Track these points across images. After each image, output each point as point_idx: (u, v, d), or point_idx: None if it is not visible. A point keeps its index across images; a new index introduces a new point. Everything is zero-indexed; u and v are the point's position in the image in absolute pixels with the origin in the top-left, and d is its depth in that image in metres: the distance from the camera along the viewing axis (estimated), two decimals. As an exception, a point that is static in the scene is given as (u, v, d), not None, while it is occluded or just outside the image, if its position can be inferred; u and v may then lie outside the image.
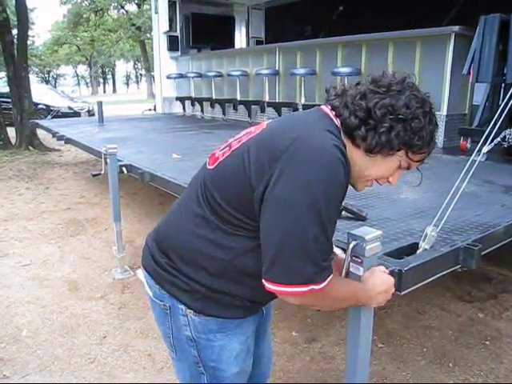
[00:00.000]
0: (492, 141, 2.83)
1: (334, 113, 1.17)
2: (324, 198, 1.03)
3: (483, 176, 2.88)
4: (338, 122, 1.15)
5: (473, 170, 1.87)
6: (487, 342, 2.73)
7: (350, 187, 1.19)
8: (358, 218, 2.09)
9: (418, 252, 1.61)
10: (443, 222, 1.68)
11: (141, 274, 1.36)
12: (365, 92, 1.14)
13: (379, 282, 1.22)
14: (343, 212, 2.07)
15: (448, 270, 1.68)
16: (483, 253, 1.76)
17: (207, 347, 1.25)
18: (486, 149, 2.83)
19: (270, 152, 1.08)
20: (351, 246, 1.21)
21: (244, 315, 1.27)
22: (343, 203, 1.89)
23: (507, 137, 3.35)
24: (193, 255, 1.20)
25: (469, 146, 3.87)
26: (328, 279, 1.08)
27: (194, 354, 1.27)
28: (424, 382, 2.40)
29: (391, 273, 1.44)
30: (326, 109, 1.20)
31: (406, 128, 1.09)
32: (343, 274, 1.26)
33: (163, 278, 1.24)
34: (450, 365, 2.53)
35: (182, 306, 1.23)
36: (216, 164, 1.21)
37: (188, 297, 1.22)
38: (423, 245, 1.62)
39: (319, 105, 1.28)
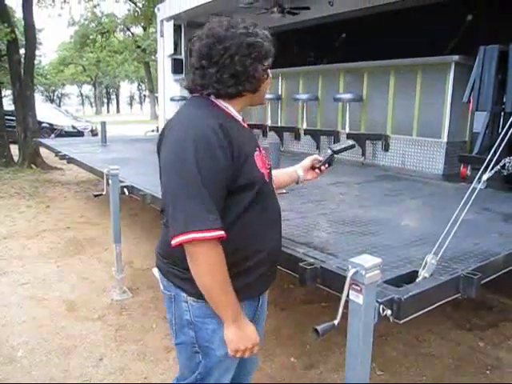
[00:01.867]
0: (492, 169, 2.86)
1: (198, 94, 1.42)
2: (198, 160, 1.25)
3: (483, 204, 2.89)
4: (208, 98, 1.40)
5: (473, 197, 1.89)
6: (488, 372, 2.69)
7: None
8: (350, 147, 2.06)
9: (417, 280, 1.61)
10: (443, 250, 1.68)
11: (156, 271, 1.57)
12: (197, 66, 1.38)
13: (243, 335, 1.37)
14: (335, 156, 2.01)
15: (448, 299, 1.67)
16: (483, 281, 1.76)
17: (202, 329, 1.45)
18: (485, 176, 2.85)
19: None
20: (351, 273, 1.22)
21: (238, 299, 1.38)
22: (332, 149, 1.98)
23: (507, 165, 3.37)
24: (174, 250, 1.32)
25: (469, 173, 3.89)
26: (220, 232, 1.25)
27: (192, 335, 1.47)
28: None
29: (391, 300, 1.44)
30: (197, 96, 1.44)
31: (253, 56, 1.36)
32: (342, 302, 1.26)
33: (168, 271, 1.47)
34: (450, 395, 2.50)
35: (184, 294, 1.44)
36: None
37: (187, 284, 1.39)
38: (423, 273, 1.62)
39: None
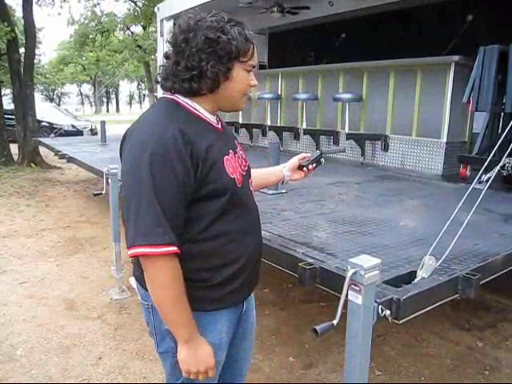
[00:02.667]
0: (491, 169, 2.86)
1: (169, 93, 1.35)
2: (152, 171, 1.18)
3: (482, 204, 2.89)
4: (173, 98, 1.33)
5: (479, 200, 1.89)
6: (486, 372, 2.70)
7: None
8: (339, 151, 2.09)
9: (416, 280, 1.62)
10: (447, 252, 1.68)
11: (133, 280, 1.51)
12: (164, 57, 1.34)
13: (196, 358, 1.30)
14: (322, 156, 1.96)
15: (447, 299, 1.68)
16: (482, 282, 1.77)
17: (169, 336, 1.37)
18: (485, 177, 2.86)
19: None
20: (350, 273, 1.22)
21: (213, 307, 1.37)
22: (320, 150, 1.94)
23: (506, 165, 3.38)
24: None
25: (468, 173, 3.90)
26: (172, 248, 1.19)
27: (172, 345, 1.37)
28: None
29: (390, 300, 1.44)
30: (164, 97, 1.37)
31: (211, 52, 1.25)
32: (341, 303, 1.26)
33: (144, 281, 1.32)
34: (449, 395, 2.50)
35: None
36: None
37: None
38: (421, 273, 1.63)
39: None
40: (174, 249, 1.20)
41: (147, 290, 1.32)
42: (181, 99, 1.33)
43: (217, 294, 1.36)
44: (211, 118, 1.38)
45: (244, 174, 1.42)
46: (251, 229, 1.43)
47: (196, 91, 1.30)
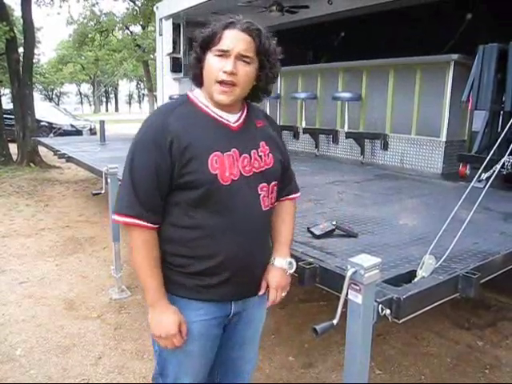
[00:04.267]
0: (491, 167, 2.86)
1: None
2: (133, 154, 1.36)
3: (482, 202, 2.89)
4: (187, 94, 1.47)
5: (479, 199, 1.89)
6: (486, 371, 2.70)
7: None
8: (350, 234, 2.16)
9: (415, 280, 1.61)
10: (448, 252, 1.68)
11: None
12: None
13: (158, 322, 1.40)
14: (336, 230, 2.18)
15: (447, 298, 1.68)
16: (482, 281, 1.76)
17: None
18: (485, 175, 2.85)
19: None
20: (350, 273, 1.21)
21: (185, 294, 1.43)
22: (335, 222, 2.03)
23: (506, 164, 3.37)
24: None
25: (468, 172, 3.89)
26: (131, 219, 1.33)
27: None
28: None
29: (390, 300, 1.44)
30: (185, 93, 1.50)
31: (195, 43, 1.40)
32: (341, 302, 1.26)
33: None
34: (449, 394, 2.50)
35: None
36: None
37: None
38: (421, 272, 1.62)
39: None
40: (140, 222, 1.34)
41: None
42: (193, 94, 1.45)
43: (191, 283, 1.41)
44: (221, 114, 1.42)
45: (249, 174, 1.41)
46: (236, 230, 1.40)
47: (197, 81, 1.44)
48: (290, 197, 1.65)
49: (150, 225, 1.35)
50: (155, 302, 1.40)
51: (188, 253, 1.39)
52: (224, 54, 1.33)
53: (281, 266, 1.55)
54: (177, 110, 1.39)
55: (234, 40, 1.33)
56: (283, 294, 1.59)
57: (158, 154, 1.32)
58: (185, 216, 1.37)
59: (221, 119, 1.42)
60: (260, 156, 1.44)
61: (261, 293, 1.53)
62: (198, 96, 1.44)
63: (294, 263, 1.59)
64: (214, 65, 1.35)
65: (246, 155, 1.41)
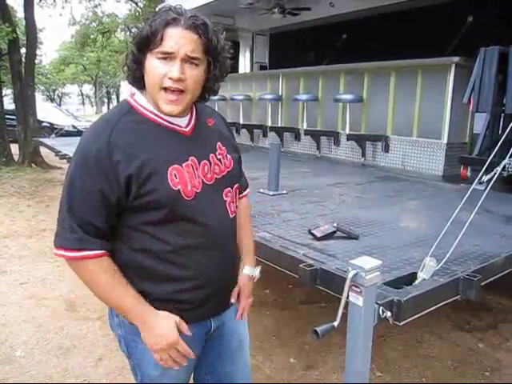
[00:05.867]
0: (492, 170, 2.86)
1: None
2: (73, 179, 1.19)
3: (483, 205, 2.89)
4: (128, 101, 1.29)
5: (480, 201, 1.89)
6: (487, 373, 2.69)
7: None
8: (351, 236, 2.17)
9: (416, 282, 1.61)
10: (449, 254, 1.68)
11: None
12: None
13: (154, 336, 1.25)
14: (337, 232, 2.19)
15: (447, 301, 1.67)
16: (483, 283, 1.76)
17: (133, 347, 1.36)
18: (486, 178, 2.85)
19: None
20: (351, 275, 1.22)
21: None
22: (336, 224, 2.02)
23: (507, 166, 3.37)
24: None
25: (469, 174, 3.89)
26: (81, 253, 1.17)
27: (125, 350, 1.40)
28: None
29: (391, 302, 1.44)
30: (124, 100, 1.33)
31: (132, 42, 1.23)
32: (341, 304, 1.26)
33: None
34: (449, 396, 2.50)
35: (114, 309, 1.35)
36: None
37: None
38: (422, 275, 1.62)
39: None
40: (90, 253, 1.18)
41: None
42: (135, 100, 1.28)
43: (170, 308, 1.28)
44: (170, 120, 1.27)
45: (211, 182, 1.30)
46: (208, 245, 1.30)
47: (138, 84, 1.27)
48: (245, 193, 1.54)
49: (102, 252, 1.20)
50: (141, 316, 1.24)
51: (162, 278, 1.26)
52: (168, 56, 1.17)
53: (250, 273, 1.52)
54: (120, 123, 1.21)
55: (179, 40, 1.16)
56: (250, 301, 1.54)
57: (102, 179, 1.15)
58: (153, 239, 1.23)
59: (171, 125, 1.27)
60: (219, 159, 1.34)
61: (233, 301, 1.47)
62: (140, 102, 1.27)
63: (259, 269, 1.56)
64: (158, 69, 1.18)
65: (206, 161, 1.29)
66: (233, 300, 1.46)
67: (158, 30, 1.16)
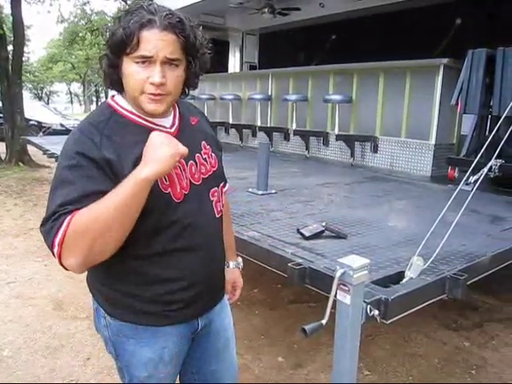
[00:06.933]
0: (479, 171, 2.89)
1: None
2: (61, 169, 1.14)
3: (469, 205, 2.92)
4: (109, 103, 1.26)
5: (467, 201, 1.91)
6: (473, 372, 2.73)
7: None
8: (339, 235, 2.18)
9: (404, 281, 1.63)
10: (436, 253, 1.70)
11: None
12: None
13: (158, 141, 1.10)
14: (325, 231, 2.21)
15: (434, 299, 1.69)
16: (469, 282, 1.78)
17: (121, 349, 1.36)
18: (473, 178, 2.88)
19: None
20: (339, 273, 1.22)
21: (157, 323, 1.30)
22: (324, 224, 2.05)
23: (493, 167, 3.41)
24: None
25: (456, 175, 3.93)
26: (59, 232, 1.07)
27: (113, 352, 1.39)
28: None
29: (378, 300, 1.45)
30: (105, 102, 1.30)
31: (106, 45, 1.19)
32: (329, 303, 1.27)
33: (90, 283, 1.41)
34: (436, 394, 2.53)
35: (101, 309, 1.36)
36: None
37: (103, 301, 1.35)
38: (409, 274, 1.64)
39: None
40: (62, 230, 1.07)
41: (93, 293, 1.40)
42: (116, 103, 1.24)
43: (158, 309, 1.28)
44: (154, 121, 1.24)
45: (198, 183, 1.29)
46: (197, 246, 1.29)
47: (116, 87, 1.23)
48: (224, 190, 1.48)
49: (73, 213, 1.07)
50: (141, 173, 1.06)
51: (151, 280, 1.26)
52: (147, 60, 1.13)
53: (236, 266, 1.66)
54: (106, 130, 1.17)
55: (157, 43, 1.12)
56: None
57: (96, 172, 1.12)
58: (146, 244, 1.22)
59: (156, 127, 1.23)
60: (205, 159, 1.33)
61: (227, 296, 1.52)
62: (122, 104, 1.24)
63: (241, 259, 1.71)
64: (138, 75, 1.14)
65: (192, 162, 1.28)
66: (229, 296, 1.54)
67: (133, 34, 1.11)
